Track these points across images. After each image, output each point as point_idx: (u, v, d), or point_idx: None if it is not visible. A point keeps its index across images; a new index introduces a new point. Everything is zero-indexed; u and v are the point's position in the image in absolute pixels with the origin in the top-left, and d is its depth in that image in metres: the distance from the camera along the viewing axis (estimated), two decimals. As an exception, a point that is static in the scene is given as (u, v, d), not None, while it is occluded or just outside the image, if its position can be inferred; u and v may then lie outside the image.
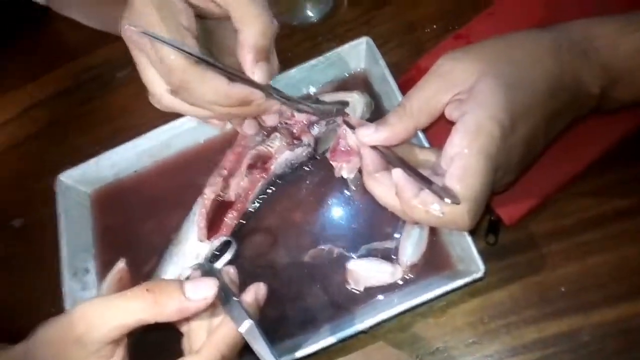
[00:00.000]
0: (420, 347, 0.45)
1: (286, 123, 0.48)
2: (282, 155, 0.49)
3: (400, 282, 0.45)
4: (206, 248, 0.46)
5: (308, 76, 0.52)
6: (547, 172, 0.45)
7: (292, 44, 0.59)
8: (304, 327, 0.45)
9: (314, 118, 0.48)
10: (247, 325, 0.35)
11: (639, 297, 0.43)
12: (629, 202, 0.46)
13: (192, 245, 0.47)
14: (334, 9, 0.60)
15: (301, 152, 0.49)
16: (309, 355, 0.43)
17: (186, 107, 0.40)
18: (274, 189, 0.50)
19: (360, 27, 0.60)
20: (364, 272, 0.45)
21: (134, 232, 0.52)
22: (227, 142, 0.51)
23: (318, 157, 0.50)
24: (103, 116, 0.63)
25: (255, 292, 0.39)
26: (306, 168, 0.50)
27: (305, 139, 0.48)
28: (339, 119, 0.44)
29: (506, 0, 0.53)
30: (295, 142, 0.49)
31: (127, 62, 0.64)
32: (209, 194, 0.48)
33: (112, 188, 0.54)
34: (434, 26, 0.57)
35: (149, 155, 0.53)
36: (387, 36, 0.58)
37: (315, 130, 0.48)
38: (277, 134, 0.49)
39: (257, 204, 0.50)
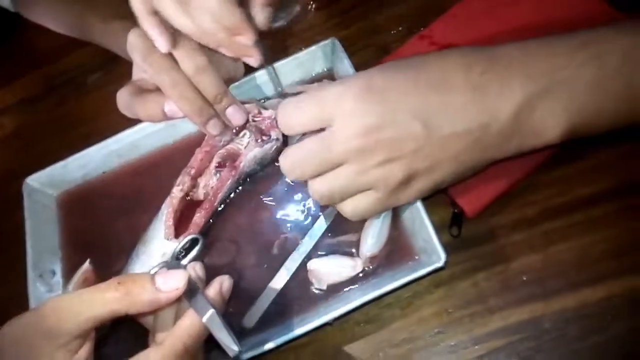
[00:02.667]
0: (387, 338, 0.45)
1: (254, 120, 0.49)
2: (251, 153, 0.49)
3: (361, 275, 0.45)
4: (173, 247, 0.46)
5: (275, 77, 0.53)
6: (508, 163, 0.45)
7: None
8: (270, 322, 0.45)
9: None
10: (209, 314, 0.35)
11: (599, 283, 0.44)
12: (590, 190, 0.47)
13: (159, 244, 0.47)
14: (301, 14, 0.61)
15: (270, 147, 0.49)
16: (275, 350, 0.43)
17: (177, 18, 0.40)
18: (241, 188, 0.51)
19: (328, 31, 0.61)
20: (325, 269, 0.45)
21: (102, 234, 0.52)
22: (196, 144, 0.51)
23: None
24: (74, 120, 0.63)
25: (220, 285, 0.39)
26: (277, 164, 0.50)
27: (274, 133, 0.49)
28: None
29: (468, 1, 0.55)
30: (264, 138, 0.49)
31: (98, 66, 0.66)
32: (176, 193, 0.48)
33: (80, 190, 0.54)
34: (399, 28, 0.59)
35: (117, 156, 0.53)
36: (353, 38, 0.59)
37: None
38: (246, 131, 0.49)
39: (225, 203, 0.50)
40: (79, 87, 0.65)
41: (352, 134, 0.36)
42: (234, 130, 0.49)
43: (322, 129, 0.38)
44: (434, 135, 0.36)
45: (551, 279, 0.45)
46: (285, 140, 0.50)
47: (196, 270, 0.42)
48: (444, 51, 0.38)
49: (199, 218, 0.48)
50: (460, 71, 0.36)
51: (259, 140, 0.49)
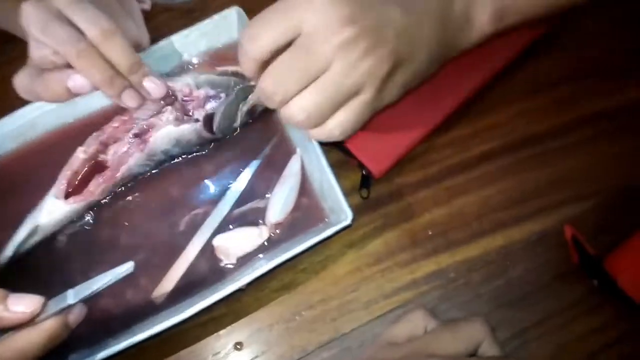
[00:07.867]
0: (302, 301, 0.46)
1: (184, 100, 0.46)
2: (164, 129, 0.46)
3: (267, 243, 0.45)
4: (61, 208, 0.44)
5: (181, 46, 0.51)
6: (409, 125, 0.47)
7: (169, 18, 0.59)
8: (181, 297, 0.44)
9: (211, 92, 0.47)
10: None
11: (498, 231, 0.47)
12: (485, 147, 0.50)
13: (48, 203, 0.45)
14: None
15: (188, 129, 0.47)
16: (192, 321, 0.42)
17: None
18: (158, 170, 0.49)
19: (236, 2, 0.60)
20: (231, 242, 0.45)
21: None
22: (100, 122, 0.49)
23: (219, 140, 0.48)
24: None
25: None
26: (203, 152, 0.49)
27: (197, 113, 0.46)
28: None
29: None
30: (186, 118, 0.47)
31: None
32: (78, 154, 0.46)
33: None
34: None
35: (10, 139, 0.49)
36: (261, 7, 0.58)
37: (211, 104, 0.47)
38: (170, 107, 0.46)
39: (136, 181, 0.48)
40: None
41: (331, 29, 0.34)
42: (161, 103, 0.46)
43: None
44: (410, 15, 0.36)
45: (455, 231, 0.47)
46: (208, 123, 0.47)
47: (74, 314, 0.37)
48: None
49: (94, 185, 0.46)
50: None
51: (177, 119, 0.46)
